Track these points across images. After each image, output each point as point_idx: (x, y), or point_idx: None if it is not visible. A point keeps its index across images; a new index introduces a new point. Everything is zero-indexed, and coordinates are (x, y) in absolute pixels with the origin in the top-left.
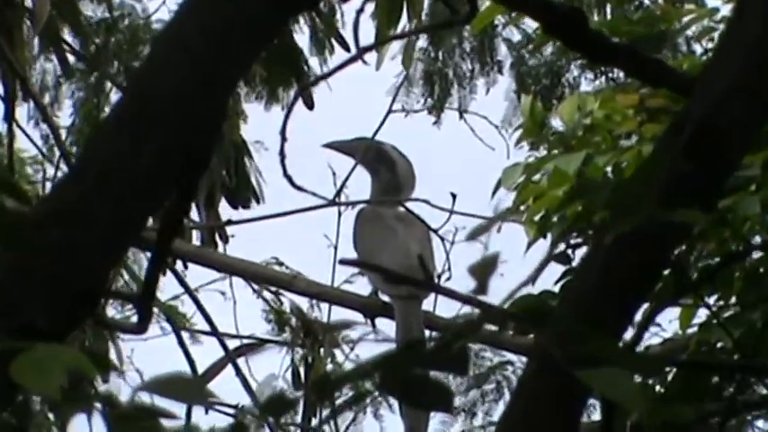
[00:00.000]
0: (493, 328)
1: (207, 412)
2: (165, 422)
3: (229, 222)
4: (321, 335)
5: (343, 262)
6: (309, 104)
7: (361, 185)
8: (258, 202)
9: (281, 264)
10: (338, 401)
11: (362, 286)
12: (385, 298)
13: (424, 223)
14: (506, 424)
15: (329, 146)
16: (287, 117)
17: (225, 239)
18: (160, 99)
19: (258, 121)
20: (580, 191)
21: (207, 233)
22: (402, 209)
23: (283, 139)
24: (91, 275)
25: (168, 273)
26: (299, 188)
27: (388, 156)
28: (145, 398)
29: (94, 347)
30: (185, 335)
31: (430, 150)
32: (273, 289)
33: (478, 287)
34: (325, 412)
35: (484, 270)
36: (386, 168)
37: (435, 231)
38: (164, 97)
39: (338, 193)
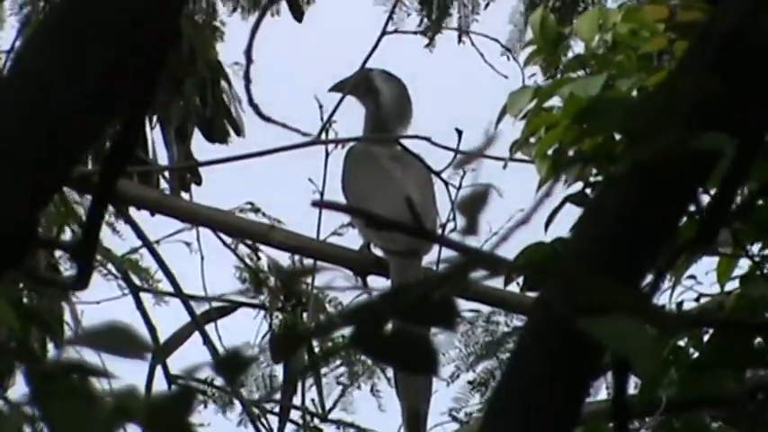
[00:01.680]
0: (499, 285)
1: (170, 385)
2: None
3: (197, 164)
4: (304, 296)
5: (320, 204)
6: (298, 15)
7: (354, 120)
8: (239, 134)
9: (256, 210)
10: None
11: (353, 239)
12: (379, 252)
13: (425, 164)
14: (500, 399)
15: (336, 89)
16: (254, 32)
17: (197, 182)
18: (104, 15)
19: (237, 41)
20: (589, 111)
21: (174, 175)
22: (399, 147)
23: (248, 59)
24: (16, 217)
25: (125, 223)
26: (268, 119)
27: (373, 84)
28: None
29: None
30: (147, 296)
31: (431, 78)
32: (249, 242)
33: (468, 225)
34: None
35: (474, 204)
36: (372, 99)
37: (438, 174)
38: (109, 12)
39: (324, 129)
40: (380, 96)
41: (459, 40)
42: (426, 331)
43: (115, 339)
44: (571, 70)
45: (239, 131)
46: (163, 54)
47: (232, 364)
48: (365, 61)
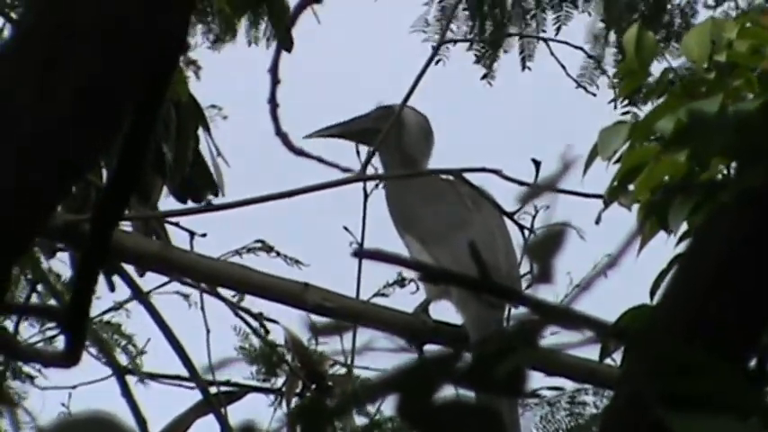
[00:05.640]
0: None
1: None
2: None
3: (209, 208)
4: (330, 380)
5: (362, 254)
6: (287, 45)
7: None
8: (216, 194)
9: (269, 249)
10: None
11: (403, 300)
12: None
13: (495, 203)
14: None
15: (315, 135)
16: (281, 45)
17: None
18: (82, 19)
19: (208, 76)
20: (691, 131)
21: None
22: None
23: (275, 79)
24: None
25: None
26: (300, 152)
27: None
28: None
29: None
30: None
31: (499, 102)
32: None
33: (540, 273)
34: None
35: (547, 247)
36: (395, 134)
37: (510, 216)
38: (88, 15)
39: (365, 166)
40: (403, 129)
41: (524, 68)
42: (490, 400)
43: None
44: (676, 100)
45: (217, 191)
46: (168, 66)
47: None
48: (410, 92)
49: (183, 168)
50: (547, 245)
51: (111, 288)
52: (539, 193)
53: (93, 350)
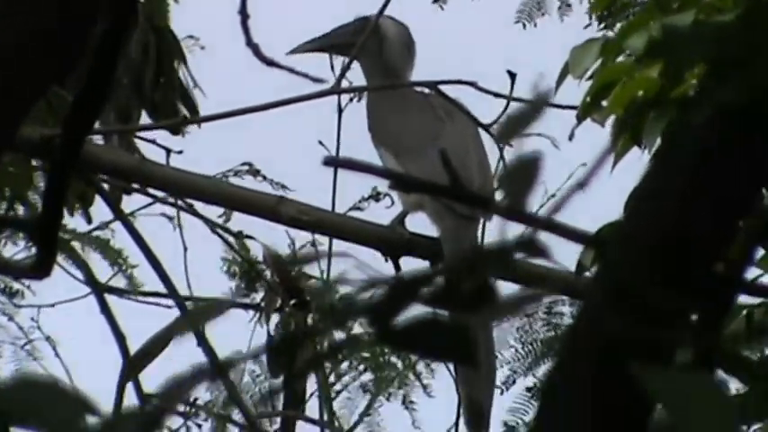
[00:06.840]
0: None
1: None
2: None
3: (182, 122)
4: (309, 296)
5: (333, 162)
6: None
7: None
8: (198, 124)
9: (256, 173)
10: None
11: (379, 213)
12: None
13: (471, 116)
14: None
15: (298, 51)
16: None
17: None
18: None
19: (188, 8)
20: (666, 43)
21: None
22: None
23: None
24: None
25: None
26: (271, 62)
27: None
28: None
29: None
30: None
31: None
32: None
33: (512, 202)
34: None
35: (520, 177)
36: (375, 44)
37: (486, 128)
38: None
39: (342, 76)
40: (384, 40)
41: None
42: (459, 316)
43: (34, 404)
44: (647, 15)
45: (195, 120)
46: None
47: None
48: (380, 12)
49: (169, 101)
50: (518, 173)
51: (89, 221)
52: (520, 125)
53: (70, 268)
